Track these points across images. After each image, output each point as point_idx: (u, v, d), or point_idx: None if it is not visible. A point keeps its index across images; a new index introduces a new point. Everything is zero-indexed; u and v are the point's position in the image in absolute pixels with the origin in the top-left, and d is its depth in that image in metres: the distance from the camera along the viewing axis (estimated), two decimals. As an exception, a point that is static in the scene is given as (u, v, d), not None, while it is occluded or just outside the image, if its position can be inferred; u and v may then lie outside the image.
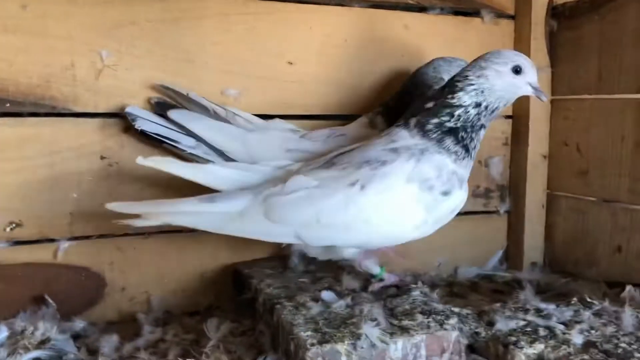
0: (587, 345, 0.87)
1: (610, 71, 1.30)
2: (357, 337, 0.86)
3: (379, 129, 1.17)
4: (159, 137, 1.12)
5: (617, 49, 1.27)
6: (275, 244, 1.29)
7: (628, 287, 1.13)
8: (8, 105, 1.09)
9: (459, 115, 0.97)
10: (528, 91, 1.00)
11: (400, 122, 1.03)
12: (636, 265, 1.24)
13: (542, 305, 1.00)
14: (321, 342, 0.85)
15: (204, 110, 1.16)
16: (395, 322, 0.92)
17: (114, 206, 0.96)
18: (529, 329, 0.91)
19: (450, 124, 0.97)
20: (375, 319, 0.91)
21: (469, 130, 0.97)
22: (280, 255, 1.28)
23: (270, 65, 1.26)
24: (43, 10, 1.10)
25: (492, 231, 1.51)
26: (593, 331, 0.91)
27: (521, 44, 1.45)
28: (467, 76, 0.98)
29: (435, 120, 0.97)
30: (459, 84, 0.98)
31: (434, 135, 0.97)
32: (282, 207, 0.96)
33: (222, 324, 1.06)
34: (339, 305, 0.97)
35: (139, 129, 1.10)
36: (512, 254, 1.51)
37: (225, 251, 1.28)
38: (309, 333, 0.88)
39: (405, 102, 1.16)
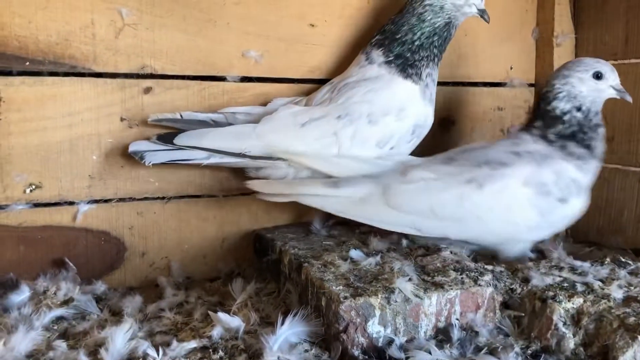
0: (629, 299, 0.85)
1: (638, 35, 1.27)
2: (391, 291, 0.84)
3: (376, 63, 1.14)
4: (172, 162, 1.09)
5: (646, 11, 1.25)
6: (296, 211, 1.28)
7: (659, 252, 1.11)
8: (27, 63, 1.07)
9: (569, 120, 1.03)
10: (612, 94, 1.05)
11: (524, 126, 1.09)
12: (665, 230, 1.22)
13: (577, 263, 0.98)
14: (354, 296, 0.83)
15: (202, 124, 1.12)
16: (428, 278, 0.90)
17: (251, 183, 1.08)
18: (566, 285, 0.89)
19: (568, 130, 1.03)
20: (408, 275, 0.89)
21: (586, 130, 1.03)
22: (300, 222, 1.27)
23: (292, 27, 1.23)
24: (62, -34, 1.07)
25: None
26: (632, 287, 0.89)
27: (544, 9, 1.42)
28: (554, 84, 1.05)
29: (553, 129, 1.04)
30: (549, 94, 1.06)
31: (557, 143, 1.03)
32: (401, 195, 1.00)
33: (247, 285, 1.05)
34: (369, 263, 0.95)
35: (150, 164, 1.07)
36: (534, 225, 1.49)
37: (246, 217, 1.26)
38: (340, 287, 0.86)
39: (404, 24, 1.14)
